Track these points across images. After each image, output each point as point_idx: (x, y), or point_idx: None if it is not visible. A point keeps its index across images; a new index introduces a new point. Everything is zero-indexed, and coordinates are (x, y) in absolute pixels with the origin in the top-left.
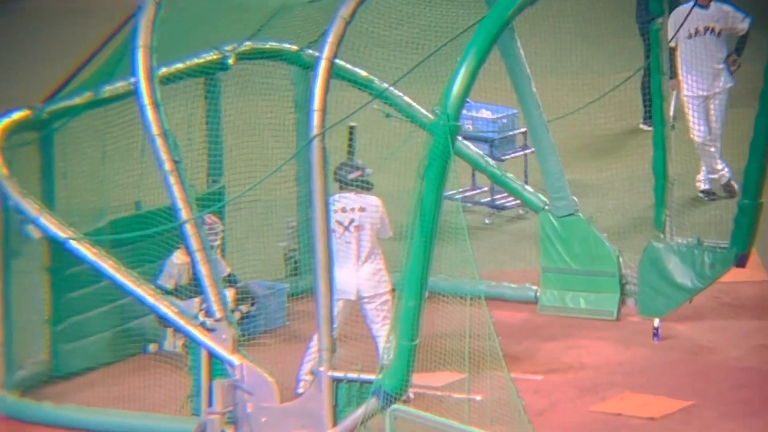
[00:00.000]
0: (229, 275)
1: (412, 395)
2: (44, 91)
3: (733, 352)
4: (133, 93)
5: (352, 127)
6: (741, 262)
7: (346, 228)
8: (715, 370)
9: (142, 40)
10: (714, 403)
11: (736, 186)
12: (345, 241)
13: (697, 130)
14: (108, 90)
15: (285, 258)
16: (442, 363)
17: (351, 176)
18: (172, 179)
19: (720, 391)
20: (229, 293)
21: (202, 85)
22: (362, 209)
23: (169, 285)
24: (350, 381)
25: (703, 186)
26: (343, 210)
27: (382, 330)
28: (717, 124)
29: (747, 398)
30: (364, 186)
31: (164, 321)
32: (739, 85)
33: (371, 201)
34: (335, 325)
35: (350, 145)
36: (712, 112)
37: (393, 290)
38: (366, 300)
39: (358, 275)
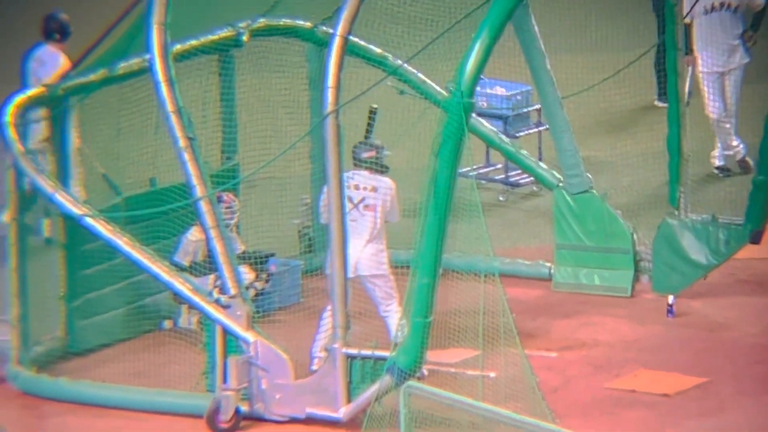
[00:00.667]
0: (243, 252)
1: (426, 372)
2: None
3: (748, 328)
4: (148, 70)
5: (374, 109)
6: (756, 238)
7: (356, 205)
8: (730, 347)
9: (157, 17)
10: (729, 380)
11: (751, 162)
12: (351, 219)
13: (712, 107)
14: (123, 67)
15: (299, 235)
16: (456, 340)
17: (365, 155)
18: (186, 156)
19: (735, 368)
20: (246, 271)
21: (217, 62)
22: (375, 189)
23: (185, 262)
24: (364, 358)
25: (718, 162)
26: (356, 187)
27: (389, 307)
28: (732, 100)
29: (763, 374)
30: (379, 166)
31: (179, 297)
32: (755, 61)
33: (385, 182)
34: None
35: (369, 126)
36: (728, 88)
37: (394, 268)
38: (367, 279)
39: (361, 254)
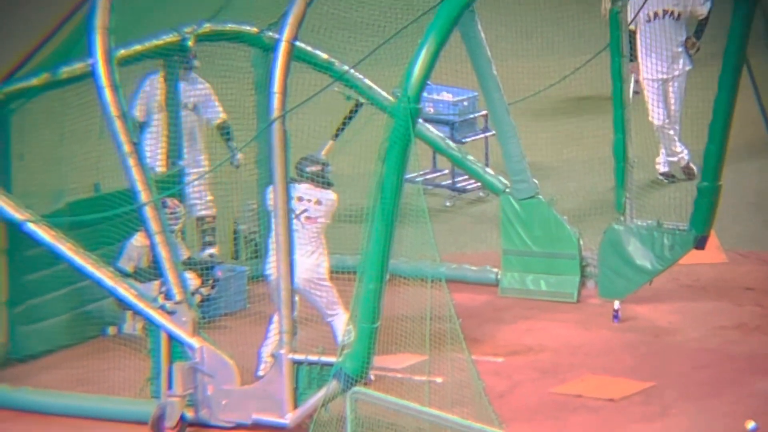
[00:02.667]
0: (188, 258)
1: (372, 377)
2: (0, 72)
3: (692, 333)
4: (91, 74)
5: (359, 104)
6: (700, 244)
7: (296, 216)
8: (674, 352)
9: (100, 20)
10: (674, 384)
11: (695, 168)
12: (304, 231)
13: (655, 113)
14: (65, 71)
15: (245, 240)
16: (402, 345)
17: (310, 169)
18: (131, 161)
19: (680, 372)
20: (191, 277)
21: (162, 66)
22: (319, 202)
23: (129, 268)
24: (311, 363)
25: (662, 168)
26: (299, 199)
27: (334, 313)
28: (676, 107)
29: (706, 379)
30: (324, 181)
31: (123, 304)
32: (698, 68)
33: (329, 196)
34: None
35: (347, 119)
36: (671, 95)
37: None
38: (309, 289)
39: (301, 265)
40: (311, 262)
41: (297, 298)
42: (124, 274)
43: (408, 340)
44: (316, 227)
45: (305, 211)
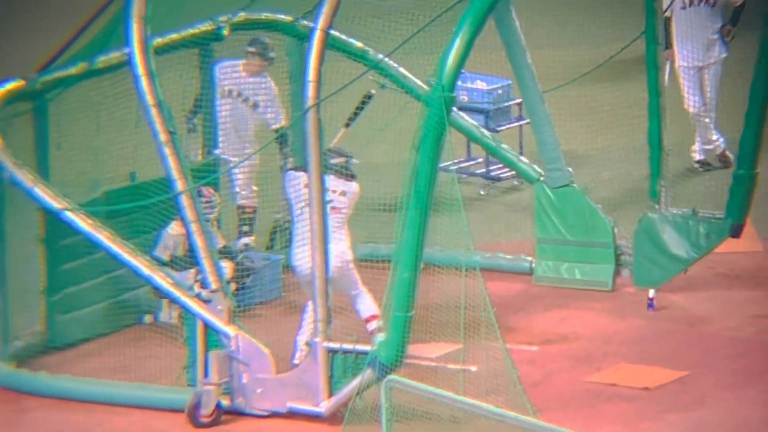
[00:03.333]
0: (224, 247)
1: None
2: (38, 62)
3: (727, 322)
4: (128, 63)
5: (370, 94)
6: (736, 232)
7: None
8: (709, 341)
9: (136, 10)
10: (709, 373)
11: (731, 156)
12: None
13: (691, 101)
14: (102, 60)
15: (279, 229)
16: (437, 334)
17: (333, 161)
18: (167, 150)
19: (715, 361)
20: (227, 266)
21: (197, 56)
22: (344, 194)
23: (165, 256)
24: (346, 352)
25: (698, 156)
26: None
27: (357, 291)
28: (711, 95)
29: (742, 368)
30: (348, 173)
31: (160, 292)
32: (734, 56)
33: (353, 188)
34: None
35: (358, 110)
36: (707, 82)
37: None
38: (336, 274)
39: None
40: (338, 250)
41: (305, 284)
42: (161, 263)
43: (442, 328)
44: (341, 217)
45: (330, 201)
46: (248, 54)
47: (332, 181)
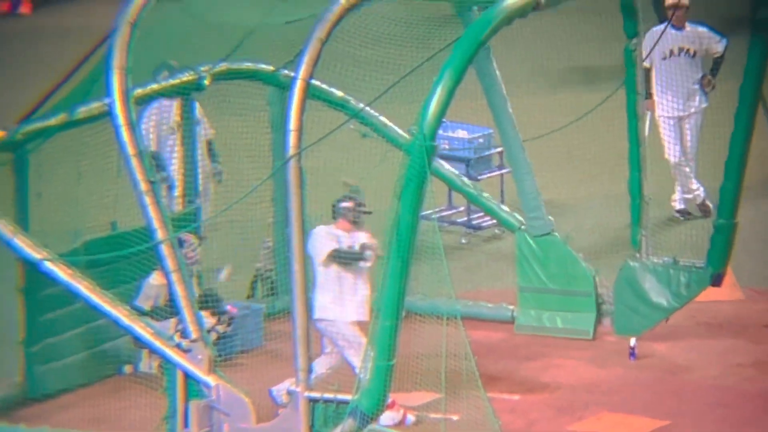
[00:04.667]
0: (201, 295)
1: (413, 418)
2: (19, 112)
3: (709, 371)
4: (108, 114)
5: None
6: (717, 281)
7: (365, 259)
8: (691, 389)
9: (117, 61)
10: (691, 422)
11: (711, 205)
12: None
13: (671, 151)
14: (83, 111)
15: (260, 278)
16: (418, 383)
17: (343, 204)
18: (147, 200)
19: (697, 410)
20: (206, 315)
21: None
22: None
23: (146, 306)
24: (327, 401)
25: (678, 206)
26: (365, 246)
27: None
28: (692, 144)
29: (724, 417)
30: (358, 220)
31: (139, 342)
32: (714, 106)
33: (369, 239)
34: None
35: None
36: (687, 132)
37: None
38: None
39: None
40: (360, 299)
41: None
42: (141, 313)
43: (424, 377)
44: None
45: (370, 256)
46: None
47: (367, 238)
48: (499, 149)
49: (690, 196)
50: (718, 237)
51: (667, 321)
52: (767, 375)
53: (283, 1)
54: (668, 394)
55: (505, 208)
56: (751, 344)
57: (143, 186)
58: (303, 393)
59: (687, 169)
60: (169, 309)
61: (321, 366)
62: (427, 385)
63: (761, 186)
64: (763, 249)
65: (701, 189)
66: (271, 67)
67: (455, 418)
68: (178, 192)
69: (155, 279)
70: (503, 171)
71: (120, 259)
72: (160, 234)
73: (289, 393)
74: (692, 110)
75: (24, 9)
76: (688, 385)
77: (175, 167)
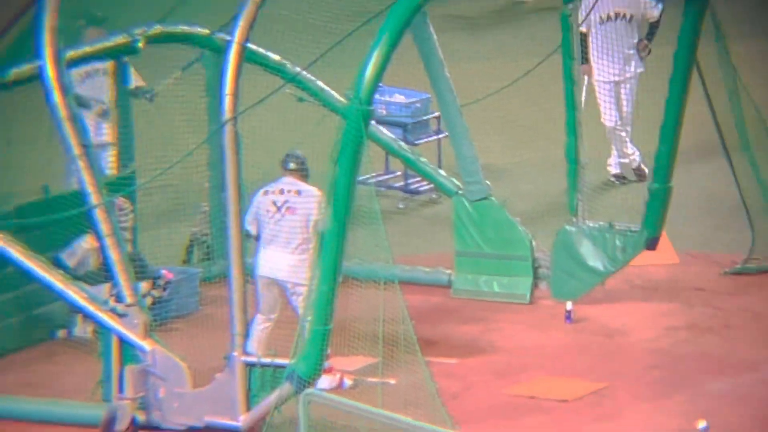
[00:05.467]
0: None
1: (350, 382)
2: None
3: (644, 334)
4: (39, 76)
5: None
6: (652, 245)
7: (278, 209)
8: (627, 352)
9: (48, 22)
10: (626, 385)
11: (646, 170)
12: (275, 221)
13: (608, 115)
14: (14, 73)
15: (196, 243)
16: (356, 347)
17: (290, 164)
18: (81, 163)
19: (632, 373)
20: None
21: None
22: (298, 192)
23: (71, 263)
24: (263, 366)
25: (614, 170)
26: (281, 192)
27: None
28: (627, 109)
29: (659, 379)
30: (304, 171)
31: (73, 307)
32: (650, 70)
33: (310, 189)
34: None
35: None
36: (623, 97)
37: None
38: (288, 287)
39: (283, 262)
40: (294, 260)
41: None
42: (64, 268)
43: (361, 342)
44: (299, 220)
45: (286, 201)
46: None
47: (287, 182)
48: (437, 114)
49: (626, 160)
50: (653, 201)
51: (604, 285)
52: (701, 337)
53: None
54: (604, 357)
55: (442, 172)
56: (685, 307)
57: (76, 150)
58: (239, 357)
59: (623, 134)
60: (103, 273)
61: (258, 329)
62: (365, 350)
63: (695, 151)
64: (697, 213)
65: (636, 153)
66: (206, 30)
67: (392, 382)
68: (112, 155)
69: (87, 242)
70: (440, 136)
71: (52, 223)
72: (93, 198)
73: (225, 358)
74: (628, 75)
75: None
76: (623, 348)
77: (109, 130)
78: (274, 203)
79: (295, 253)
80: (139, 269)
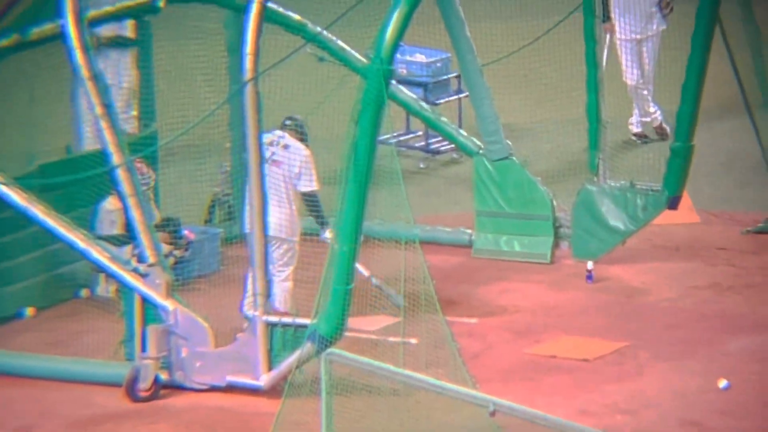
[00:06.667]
0: (161, 221)
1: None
2: None
3: (666, 293)
4: (61, 35)
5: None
6: (673, 204)
7: (265, 160)
8: (648, 312)
9: None
10: (647, 344)
11: (668, 129)
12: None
13: (629, 74)
14: (35, 32)
15: (218, 203)
16: (377, 307)
17: (287, 122)
18: (103, 123)
19: (653, 333)
20: (162, 239)
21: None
22: (285, 147)
23: (114, 231)
24: (285, 325)
25: (635, 129)
26: (270, 143)
27: (280, 273)
28: (650, 67)
29: (679, 339)
30: (300, 133)
31: (97, 266)
32: (672, 28)
33: (298, 146)
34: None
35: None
36: (645, 55)
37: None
38: (270, 239)
39: (271, 215)
40: (276, 213)
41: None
42: (99, 238)
43: (382, 302)
44: (282, 175)
45: (273, 154)
46: None
47: (278, 133)
48: (457, 73)
49: (647, 119)
50: (674, 160)
51: (624, 244)
52: (722, 297)
53: None
54: (625, 317)
55: (463, 132)
56: (706, 267)
57: (98, 109)
58: (261, 317)
59: (645, 92)
60: (127, 234)
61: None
62: (386, 309)
63: (717, 109)
64: (718, 172)
65: (658, 112)
66: None
67: (414, 341)
68: (134, 113)
69: (110, 203)
70: (461, 95)
71: (75, 182)
72: (116, 158)
73: (248, 318)
74: (650, 33)
75: None
76: (644, 308)
77: (129, 88)
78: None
79: (277, 207)
80: (173, 229)
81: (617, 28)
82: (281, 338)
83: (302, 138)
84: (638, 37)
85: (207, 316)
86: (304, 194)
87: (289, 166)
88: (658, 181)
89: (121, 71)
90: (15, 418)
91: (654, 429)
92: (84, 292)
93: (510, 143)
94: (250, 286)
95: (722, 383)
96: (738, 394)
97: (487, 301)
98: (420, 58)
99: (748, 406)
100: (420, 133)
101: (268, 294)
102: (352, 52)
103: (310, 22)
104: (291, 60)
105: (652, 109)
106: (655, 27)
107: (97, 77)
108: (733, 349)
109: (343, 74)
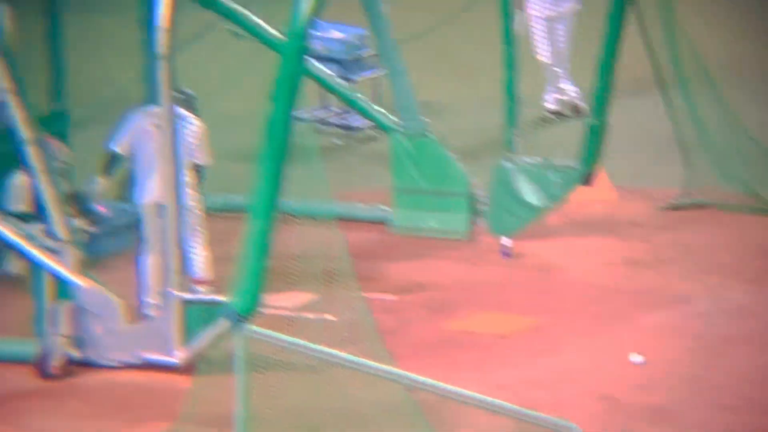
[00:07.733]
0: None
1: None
2: None
3: (581, 269)
4: None
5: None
6: (588, 180)
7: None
8: (564, 288)
9: None
10: (563, 320)
11: (583, 106)
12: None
13: (543, 51)
14: None
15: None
16: (293, 284)
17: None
18: (11, 98)
19: (569, 308)
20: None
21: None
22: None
23: (25, 208)
24: (199, 302)
25: (550, 106)
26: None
27: (193, 242)
28: (563, 46)
29: (595, 314)
30: (188, 105)
31: (5, 243)
32: (588, 4)
33: (191, 116)
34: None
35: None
36: (559, 32)
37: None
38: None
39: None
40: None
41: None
42: (24, 217)
43: (299, 278)
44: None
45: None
46: None
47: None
48: (373, 51)
49: (563, 96)
50: (589, 137)
51: (541, 220)
52: (637, 272)
53: None
54: (542, 293)
55: (379, 109)
56: (622, 242)
57: (6, 84)
58: (176, 293)
59: (558, 70)
60: (37, 211)
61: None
62: (303, 286)
63: (632, 87)
64: (633, 149)
65: (573, 89)
66: None
67: (331, 317)
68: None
69: (20, 179)
70: (377, 72)
71: None
72: (25, 133)
73: (162, 294)
74: (563, 10)
75: None
76: (560, 284)
77: None
78: (156, 126)
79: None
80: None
81: (529, 4)
82: (196, 315)
83: (192, 112)
84: (551, 14)
85: (120, 292)
86: (198, 167)
87: (183, 137)
88: (574, 158)
89: None
90: None
91: (570, 403)
92: None
93: (427, 120)
94: (153, 268)
95: (636, 358)
96: (653, 369)
97: (404, 277)
98: (336, 34)
99: (663, 381)
100: (336, 110)
101: (181, 270)
102: (268, 28)
103: None
104: (207, 36)
105: (567, 87)
106: (569, 5)
107: (5, 52)
108: (648, 324)
109: (259, 50)
